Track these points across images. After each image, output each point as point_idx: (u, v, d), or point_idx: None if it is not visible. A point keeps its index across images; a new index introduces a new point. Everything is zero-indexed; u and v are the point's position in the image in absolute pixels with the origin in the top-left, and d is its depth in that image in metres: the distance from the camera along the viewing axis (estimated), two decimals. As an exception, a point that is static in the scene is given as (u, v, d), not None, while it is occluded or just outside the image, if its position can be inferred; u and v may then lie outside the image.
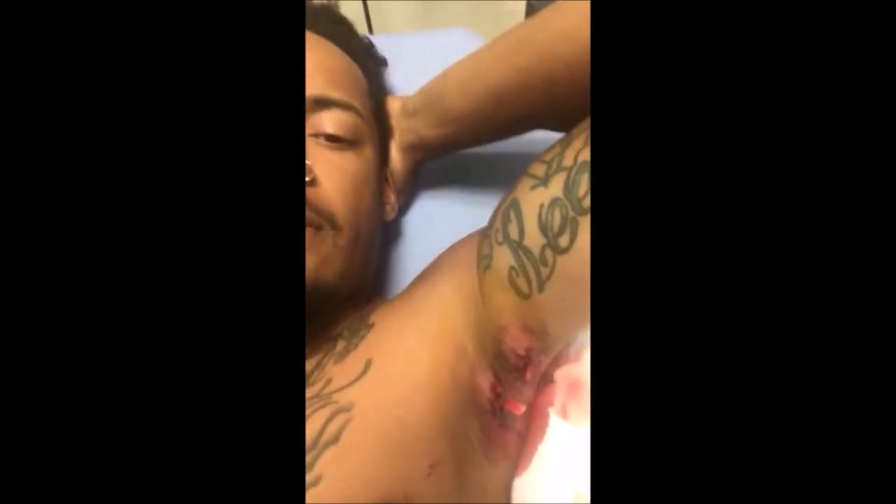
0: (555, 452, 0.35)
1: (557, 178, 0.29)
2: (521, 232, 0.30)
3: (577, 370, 0.39)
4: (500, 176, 0.46)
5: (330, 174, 0.33)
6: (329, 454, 0.26)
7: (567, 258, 0.29)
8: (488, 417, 0.31)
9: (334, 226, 0.33)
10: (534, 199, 0.30)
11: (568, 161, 0.29)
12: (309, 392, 0.29)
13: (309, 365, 0.31)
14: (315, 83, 0.34)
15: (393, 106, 0.42)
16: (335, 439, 0.26)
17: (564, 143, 0.30)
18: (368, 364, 0.29)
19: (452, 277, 0.33)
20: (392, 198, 0.42)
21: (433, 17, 0.74)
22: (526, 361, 0.32)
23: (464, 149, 0.42)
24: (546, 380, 0.38)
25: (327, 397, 0.28)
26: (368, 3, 0.69)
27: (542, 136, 0.36)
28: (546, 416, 0.36)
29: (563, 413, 0.38)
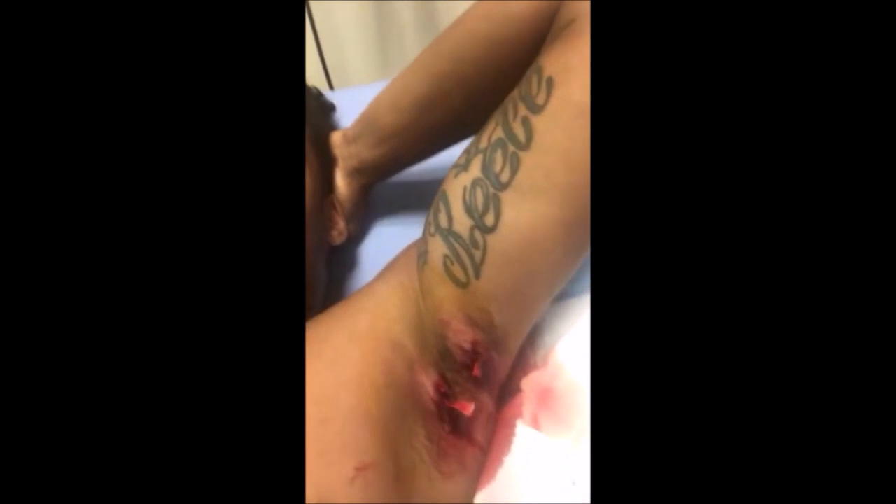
0: (526, 464, 0.32)
1: (476, 160, 0.29)
2: (450, 218, 0.30)
3: (545, 377, 0.37)
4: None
5: None
6: None
7: (495, 237, 0.28)
8: (434, 422, 0.29)
9: None
10: (457, 186, 0.30)
11: (483, 143, 0.29)
12: None
13: None
14: None
15: (335, 137, 0.43)
16: None
17: (481, 131, 0.31)
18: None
19: (390, 279, 0.32)
20: (340, 223, 0.42)
21: (393, 69, 0.79)
22: (473, 357, 0.30)
23: (408, 166, 0.43)
24: (512, 389, 0.36)
25: None
26: (326, 59, 0.73)
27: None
28: (512, 427, 0.33)
29: (535, 423, 0.35)
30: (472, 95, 0.33)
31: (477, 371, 0.30)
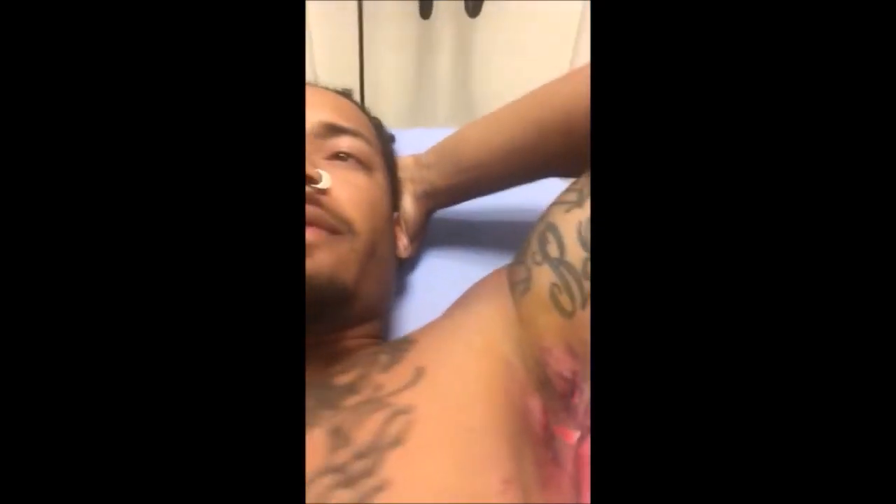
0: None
1: (589, 200, 0.32)
2: (562, 249, 0.31)
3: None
4: (499, 238, 0.49)
5: (344, 186, 0.34)
6: (394, 457, 0.23)
7: None
8: (541, 448, 0.28)
9: (351, 230, 0.33)
10: (570, 220, 0.32)
11: None
12: (355, 399, 0.27)
13: (349, 377, 0.30)
14: (327, 114, 0.37)
15: (405, 161, 0.45)
16: (398, 441, 0.24)
17: (589, 175, 0.33)
18: (420, 371, 0.28)
19: (490, 302, 0.33)
20: (405, 240, 0.43)
21: (420, 117, 0.83)
22: (572, 385, 0.30)
23: (473, 197, 0.45)
24: (586, 427, 0.34)
25: (379, 401, 0.26)
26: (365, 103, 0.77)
27: (533, 202, 0.41)
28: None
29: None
30: (572, 145, 0.35)
31: (576, 400, 0.29)
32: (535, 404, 0.29)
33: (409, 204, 0.44)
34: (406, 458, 0.23)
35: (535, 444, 0.27)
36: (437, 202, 0.44)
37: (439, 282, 0.46)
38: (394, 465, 0.23)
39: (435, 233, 0.48)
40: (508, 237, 0.48)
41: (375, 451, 0.23)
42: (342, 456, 0.23)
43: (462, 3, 0.70)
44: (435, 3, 0.71)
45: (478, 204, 0.47)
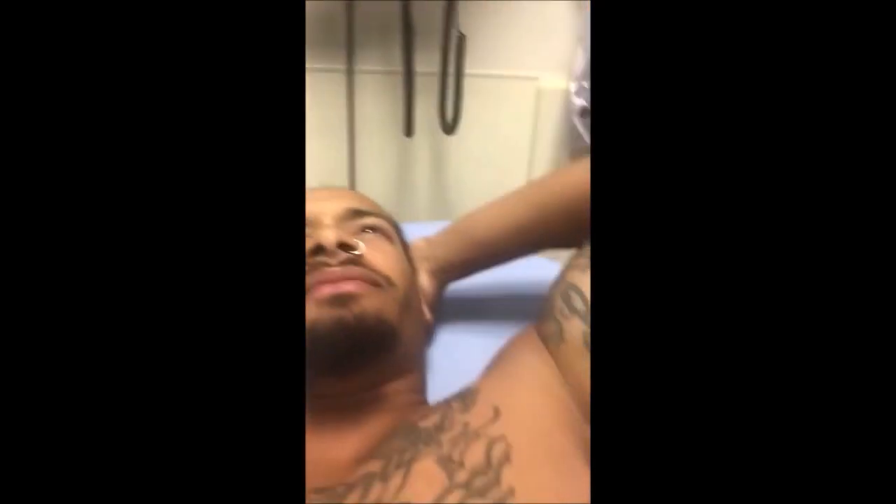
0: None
1: None
2: (587, 303, 0.37)
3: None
4: (504, 313, 0.56)
5: (376, 252, 0.40)
6: (508, 473, 0.27)
7: None
8: None
9: (390, 283, 0.38)
10: (588, 278, 0.38)
11: None
12: (449, 434, 0.30)
13: (432, 420, 0.33)
14: (350, 202, 0.44)
15: (417, 244, 0.51)
16: (506, 460, 0.28)
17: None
18: (496, 410, 0.31)
19: (530, 355, 0.37)
20: (425, 310, 0.48)
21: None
22: None
23: (482, 270, 0.51)
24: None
25: (474, 433, 0.30)
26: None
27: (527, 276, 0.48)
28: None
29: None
30: (571, 223, 0.43)
31: None
32: (588, 433, 0.33)
33: (424, 279, 0.49)
34: (518, 472, 0.27)
35: None
36: (450, 276, 0.50)
37: (457, 352, 0.51)
38: (511, 478, 0.27)
39: (444, 311, 0.54)
40: (508, 310, 0.55)
41: (491, 469, 0.27)
42: (462, 476, 0.27)
43: (438, 122, 0.83)
44: (417, 121, 0.83)
45: (478, 284, 0.54)
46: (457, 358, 0.49)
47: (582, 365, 0.35)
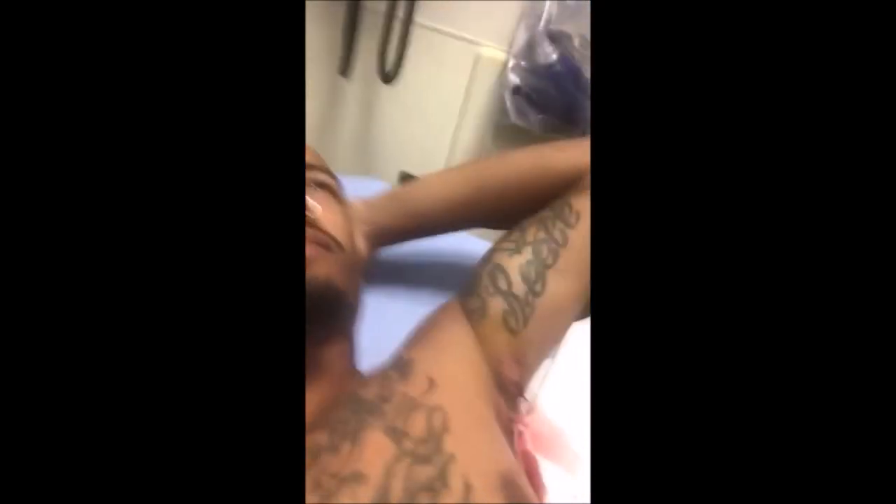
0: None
1: (526, 248, 0.43)
2: (509, 284, 0.42)
3: (536, 419, 0.47)
4: (424, 281, 0.59)
5: (327, 211, 0.41)
6: (449, 440, 0.30)
7: (542, 299, 0.41)
8: (510, 439, 0.37)
9: (339, 246, 0.40)
10: (514, 262, 0.43)
11: (530, 238, 0.44)
12: (391, 405, 0.33)
13: (373, 390, 0.35)
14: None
15: (356, 205, 0.51)
16: (445, 429, 0.31)
17: (521, 230, 0.45)
18: (432, 381, 0.35)
19: (453, 327, 0.41)
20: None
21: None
22: (519, 390, 0.40)
23: (416, 239, 0.53)
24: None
25: (414, 403, 0.32)
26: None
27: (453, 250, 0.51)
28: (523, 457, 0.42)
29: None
30: (503, 207, 0.47)
31: (520, 400, 0.40)
32: (500, 402, 0.38)
33: (360, 242, 0.50)
34: (457, 439, 0.31)
35: (506, 435, 0.37)
36: (384, 241, 0.52)
37: (379, 317, 0.52)
38: (451, 445, 0.30)
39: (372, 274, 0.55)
40: (428, 278, 0.59)
41: (433, 438, 0.30)
42: (408, 445, 0.30)
43: (377, 68, 0.79)
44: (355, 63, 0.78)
45: (400, 250, 0.56)
46: (381, 322, 0.51)
47: (499, 339, 0.40)
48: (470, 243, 0.61)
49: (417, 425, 0.31)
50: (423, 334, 0.43)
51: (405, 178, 0.90)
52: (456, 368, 0.37)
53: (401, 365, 0.37)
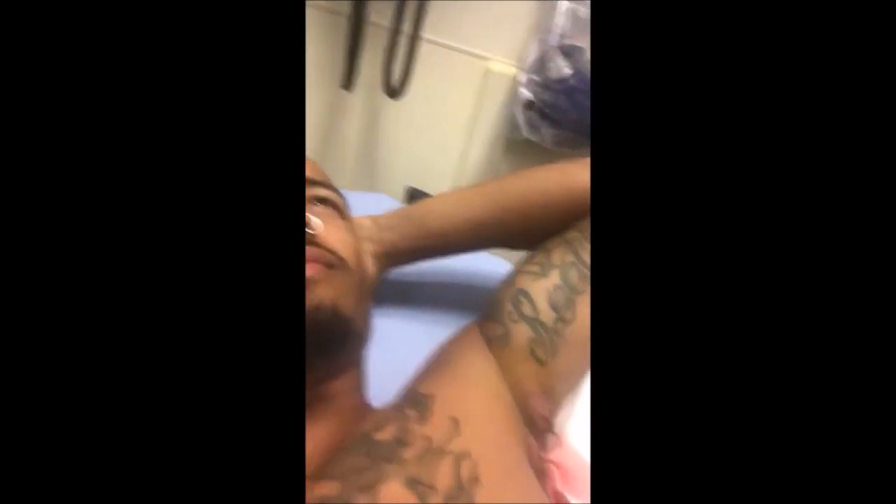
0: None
1: (554, 272, 0.40)
2: (536, 310, 0.38)
3: (561, 454, 0.42)
4: (442, 301, 0.55)
5: (330, 227, 0.37)
6: (479, 493, 0.27)
7: (571, 327, 0.37)
8: (543, 480, 0.32)
9: (345, 266, 0.36)
10: (539, 286, 0.39)
11: (557, 261, 0.40)
12: (412, 451, 0.29)
13: (389, 432, 0.31)
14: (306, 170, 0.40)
15: (362, 221, 0.47)
16: (475, 479, 0.28)
17: (546, 252, 0.41)
18: (456, 421, 0.31)
19: (475, 356, 0.37)
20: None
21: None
22: (549, 424, 0.36)
23: (428, 259, 0.50)
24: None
25: (438, 450, 0.29)
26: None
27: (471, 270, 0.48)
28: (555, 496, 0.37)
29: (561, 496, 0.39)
30: (528, 227, 0.44)
31: (551, 436, 0.35)
32: (530, 440, 0.34)
33: (368, 261, 0.46)
34: (488, 490, 0.27)
35: (535, 472, 0.33)
36: (394, 261, 0.48)
37: (392, 341, 0.48)
38: (483, 497, 0.27)
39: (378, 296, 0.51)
40: (444, 300, 0.54)
41: (462, 490, 0.27)
42: (434, 500, 0.26)
43: (382, 82, 0.77)
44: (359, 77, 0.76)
45: (413, 269, 0.52)
46: (392, 348, 0.47)
47: (526, 370, 0.36)
48: (488, 263, 0.58)
49: (443, 476, 0.27)
50: (440, 365, 0.39)
51: (412, 193, 0.87)
52: (481, 405, 0.33)
53: (418, 401, 0.34)
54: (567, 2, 0.80)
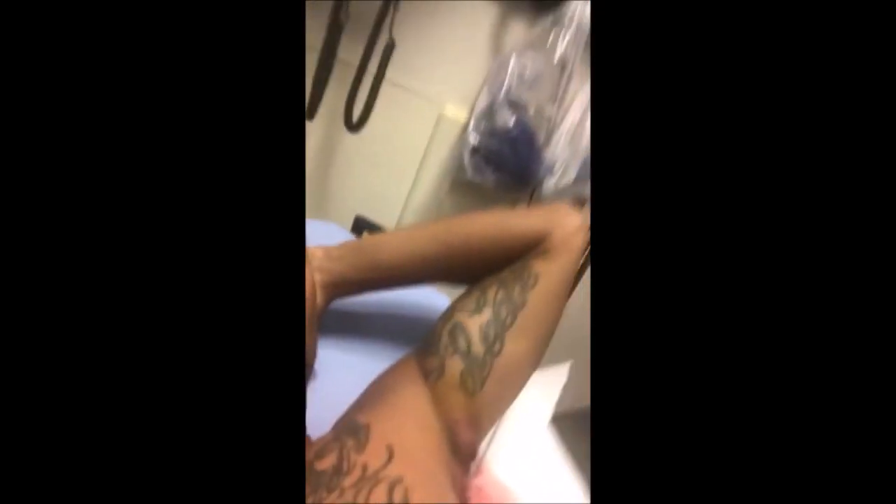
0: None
1: (487, 308, 0.44)
2: (469, 344, 0.42)
3: (484, 481, 0.47)
4: (382, 332, 0.58)
5: None
6: None
7: (499, 360, 0.42)
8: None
9: None
10: (474, 322, 0.43)
11: (490, 299, 0.45)
12: (350, 479, 0.32)
13: (328, 461, 0.34)
14: None
15: (313, 251, 0.51)
16: (407, 502, 0.30)
17: (482, 289, 0.46)
18: (391, 450, 0.34)
19: (411, 386, 0.41)
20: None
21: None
22: (473, 452, 0.41)
23: (375, 291, 0.53)
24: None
25: (374, 477, 0.32)
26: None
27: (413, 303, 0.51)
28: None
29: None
30: (469, 265, 0.49)
31: (473, 464, 0.40)
32: (455, 468, 0.38)
33: (315, 290, 0.49)
34: None
35: (458, 498, 0.37)
36: (340, 292, 0.51)
37: (330, 370, 0.52)
38: None
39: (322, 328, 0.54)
40: (389, 331, 0.58)
41: None
42: None
43: (343, 115, 0.81)
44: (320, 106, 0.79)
45: (362, 299, 0.55)
46: (331, 378, 0.50)
47: (455, 400, 0.40)
48: (429, 296, 0.62)
49: (378, 501, 0.31)
50: (378, 395, 0.42)
51: (359, 221, 0.91)
52: (414, 434, 0.37)
53: (357, 430, 0.37)
54: (516, 61, 0.88)
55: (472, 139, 0.91)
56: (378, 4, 0.75)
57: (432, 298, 0.62)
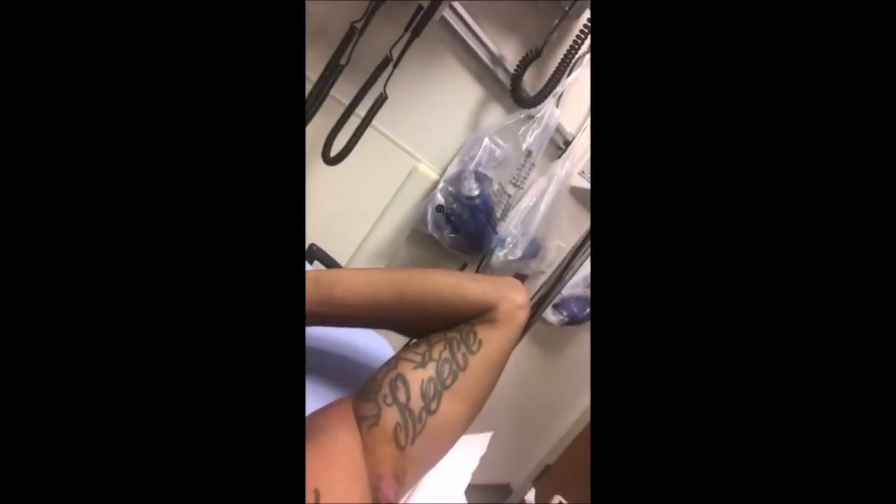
0: None
1: (431, 365, 0.46)
2: (408, 397, 0.43)
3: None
4: (323, 369, 0.58)
5: None
6: None
7: (434, 418, 0.43)
8: None
9: None
10: (416, 376, 0.45)
11: (435, 356, 0.47)
12: None
13: None
14: None
15: None
16: None
17: (428, 344, 0.48)
18: (318, 493, 0.35)
19: (344, 430, 0.42)
20: None
21: None
22: None
23: (326, 325, 0.54)
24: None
25: None
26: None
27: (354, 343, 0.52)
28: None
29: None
30: (421, 318, 0.50)
31: None
32: None
33: None
34: None
35: None
36: None
37: None
38: None
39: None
40: (329, 370, 0.58)
41: None
42: None
43: (322, 148, 0.83)
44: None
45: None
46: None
47: (385, 452, 0.41)
48: (374, 341, 0.63)
49: None
50: (312, 435, 0.42)
51: (313, 250, 0.91)
52: (341, 479, 0.37)
53: None
54: (489, 141, 0.96)
55: (439, 198, 0.96)
56: (379, 59, 0.80)
57: (377, 343, 0.63)
